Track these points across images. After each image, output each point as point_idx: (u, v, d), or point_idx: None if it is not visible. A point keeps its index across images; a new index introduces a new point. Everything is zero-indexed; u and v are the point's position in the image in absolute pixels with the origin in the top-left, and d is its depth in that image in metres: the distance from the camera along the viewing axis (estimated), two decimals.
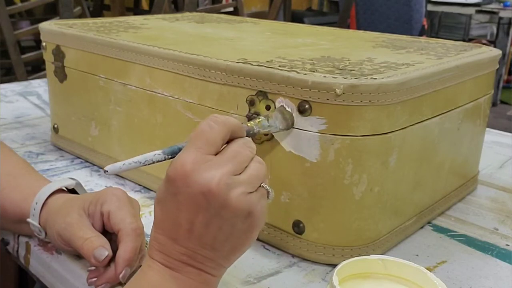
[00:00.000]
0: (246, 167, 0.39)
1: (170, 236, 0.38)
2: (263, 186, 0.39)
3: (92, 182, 0.67)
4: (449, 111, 0.56)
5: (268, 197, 0.40)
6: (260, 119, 0.46)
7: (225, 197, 0.36)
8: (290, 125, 0.47)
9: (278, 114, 0.47)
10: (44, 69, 0.78)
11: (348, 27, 2.85)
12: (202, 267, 0.39)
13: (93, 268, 0.46)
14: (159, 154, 0.39)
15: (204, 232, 0.37)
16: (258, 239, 0.54)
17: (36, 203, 0.50)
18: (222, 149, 0.39)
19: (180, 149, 0.39)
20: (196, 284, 0.39)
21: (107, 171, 0.37)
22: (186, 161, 0.37)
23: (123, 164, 0.38)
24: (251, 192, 0.38)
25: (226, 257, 0.39)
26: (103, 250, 0.45)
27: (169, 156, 0.39)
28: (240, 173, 0.38)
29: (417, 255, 0.53)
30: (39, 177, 0.55)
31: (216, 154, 0.38)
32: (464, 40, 3.20)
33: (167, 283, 0.38)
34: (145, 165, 0.38)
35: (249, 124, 0.44)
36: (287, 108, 0.47)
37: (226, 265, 0.40)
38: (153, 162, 0.39)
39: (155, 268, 0.38)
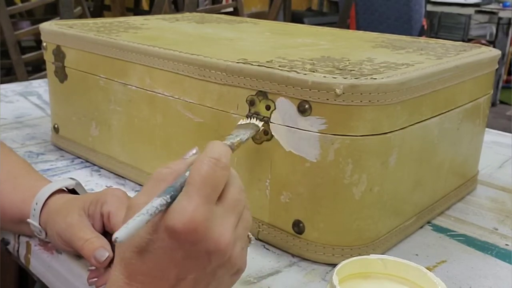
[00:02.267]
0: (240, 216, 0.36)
1: None
2: (248, 236, 0.38)
3: (92, 182, 0.67)
4: (448, 111, 0.56)
5: (250, 243, 0.39)
6: (226, 137, 0.43)
7: (229, 256, 0.34)
8: (257, 129, 0.48)
9: (237, 129, 0.46)
10: (45, 69, 0.78)
11: (348, 27, 2.85)
12: None
13: (93, 268, 0.46)
14: (162, 201, 0.33)
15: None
16: (258, 239, 0.54)
17: (36, 204, 0.50)
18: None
19: (181, 187, 0.34)
20: None
21: (117, 238, 0.31)
22: (195, 216, 0.32)
23: (128, 224, 0.31)
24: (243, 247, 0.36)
25: None
26: (104, 251, 0.44)
27: (170, 201, 0.34)
28: (237, 225, 0.35)
29: (416, 255, 0.53)
30: (39, 177, 0.55)
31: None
32: (463, 40, 3.20)
33: None
34: (152, 216, 0.33)
35: (229, 143, 0.42)
36: (246, 122, 0.48)
37: None
38: (160, 211, 0.33)
39: None
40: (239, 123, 0.49)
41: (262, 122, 0.48)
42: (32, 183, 0.53)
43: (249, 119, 0.49)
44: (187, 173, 0.35)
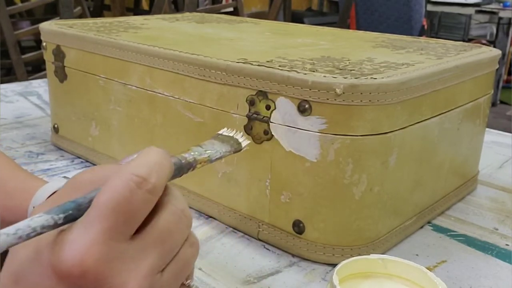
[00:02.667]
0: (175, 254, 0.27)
1: None
2: (185, 284, 0.28)
3: None
4: (448, 111, 0.56)
5: None
6: (191, 148, 0.34)
7: None
8: (237, 148, 0.37)
9: (213, 140, 0.36)
10: (44, 69, 0.78)
11: (348, 27, 2.85)
12: None
13: None
14: (49, 220, 0.24)
15: None
16: (258, 239, 0.54)
17: (33, 207, 0.49)
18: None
19: (79, 212, 0.25)
20: None
21: None
22: (89, 255, 0.23)
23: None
24: None
25: None
26: None
27: (62, 221, 0.25)
28: (165, 267, 0.26)
29: (417, 255, 0.53)
30: (28, 177, 0.50)
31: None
32: (463, 40, 3.20)
33: None
34: (22, 239, 0.23)
35: (178, 156, 0.31)
36: (228, 134, 0.37)
37: None
38: (40, 234, 0.24)
39: None
40: (219, 132, 0.38)
41: (248, 142, 0.38)
42: (24, 186, 0.48)
43: (234, 130, 0.38)
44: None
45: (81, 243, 0.24)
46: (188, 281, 0.28)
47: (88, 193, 0.26)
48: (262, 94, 0.49)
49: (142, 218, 0.25)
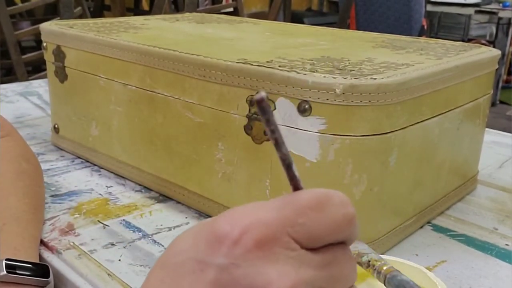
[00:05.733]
0: None
1: None
2: None
3: (93, 182, 0.67)
4: (448, 111, 0.56)
5: None
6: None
7: None
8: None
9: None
10: (45, 69, 0.78)
11: (348, 27, 2.85)
12: None
13: None
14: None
15: None
16: None
17: None
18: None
19: None
20: None
21: None
22: (263, 233, 0.23)
23: None
24: None
25: None
26: None
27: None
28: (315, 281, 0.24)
29: (417, 255, 0.53)
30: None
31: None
32: (463, 40, 3.20)
33: None
34: None
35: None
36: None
37: None
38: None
39: None
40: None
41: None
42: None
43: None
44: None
45: (255, 218, 0.24)
46: None
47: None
48: None
49: (325, 242, 0.24)
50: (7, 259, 0.44)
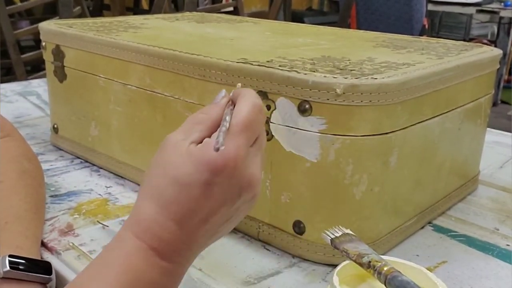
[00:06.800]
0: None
1: (178, 221, 0.34)
2: None
3: (92, 182, 0.67)
4: (449, 111, 0.56)
5: None
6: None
7: (256, 191, 0.36)
8: None
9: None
10: (44, 69, 0.77)
11: (349, 26, 2.85)
12: (190, 257, 0.36)
13: None
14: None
15: (216, 222, 0.35)
16: (258, 239, 0.54)
17: None
18: None
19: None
20: (178, 277, 0.36)
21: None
22: (238, 155, 0.34)
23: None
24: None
25: (211, 243, 0.38)
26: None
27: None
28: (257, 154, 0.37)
29: (417, 255, 0.53)
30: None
31: None
32: (464, 40, 3.20)
33: (155, 273, 0.34)
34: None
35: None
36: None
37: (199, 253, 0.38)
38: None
39: (142, 253, 0.34)
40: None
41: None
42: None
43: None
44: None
45: (233, 146, 0.34)
46: None
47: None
48: (262, 94, 0.49)
49: (259, 132, 0.37)
50: (10, 256, 0.45)
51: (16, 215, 0.51)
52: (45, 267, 0.47)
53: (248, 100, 0.37)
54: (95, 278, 0.34)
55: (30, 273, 0.45)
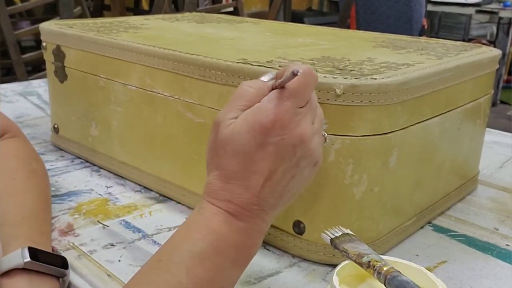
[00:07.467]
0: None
1: (244, 185, 0.38)
2: (323, 134, 0.42)
3: (92, 182, 0.67)
4: (449, 111, 0.56)
5: (325, 141, 0.43)
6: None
7: (309, 147, 0.39)
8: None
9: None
10: (44, 69, 0.78)
11: (348, 27, 2.85)
12: (265, 216, 0.40)
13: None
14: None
15: (279, 181, 0.39)
16: None
17: None
18: None
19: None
20: (258, 234, 0.40)
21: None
22: (285, 116, 0.37)
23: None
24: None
25: (284, 205, 0.41)
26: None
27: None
28: (314, 122, 0.40)
29: (417, 255, 0.53)
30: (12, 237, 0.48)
31: None
32: (464, 40, 3.20)
33: (234, 233, 0.38)
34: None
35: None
36: None
37: (277, 214, 0.41)
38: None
39: (220, 217, 0.38)
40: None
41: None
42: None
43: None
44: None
45: (277, 108, 0.38)
46: (324, 132, 0.42)
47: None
48: None
49: (309, 95, 0.39)
50: (29, 247, 0.45)
51: (31, 212, 0.52)
52: (62, 261, 0.48)
53: (298, 65, 0.39)
54: (185, 240, 0.38)
55: (49, 265, 0.46)
